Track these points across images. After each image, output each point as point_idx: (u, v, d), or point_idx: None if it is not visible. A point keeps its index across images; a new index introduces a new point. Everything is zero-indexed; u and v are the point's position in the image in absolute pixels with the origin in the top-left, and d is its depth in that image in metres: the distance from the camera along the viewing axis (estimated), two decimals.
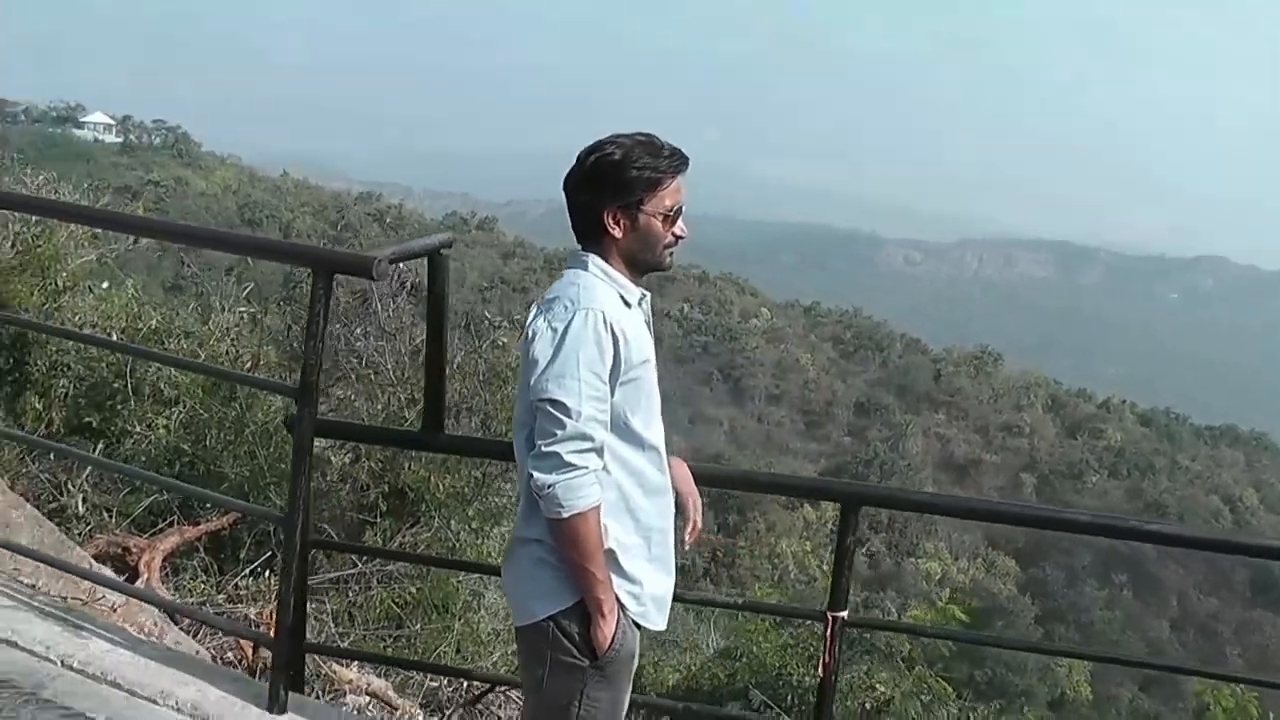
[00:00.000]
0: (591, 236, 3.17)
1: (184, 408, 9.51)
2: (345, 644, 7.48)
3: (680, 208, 3.16)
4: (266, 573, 8.31)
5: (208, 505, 8.70)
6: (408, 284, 13.01)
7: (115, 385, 9.81)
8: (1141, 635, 58.97)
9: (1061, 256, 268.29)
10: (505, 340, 11.05)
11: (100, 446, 9.37)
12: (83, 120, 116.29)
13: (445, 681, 7.52)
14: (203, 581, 7.94)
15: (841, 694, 9.61)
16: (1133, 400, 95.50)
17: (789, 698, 9.43)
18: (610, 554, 3.08)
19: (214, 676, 3.51)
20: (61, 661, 3.46)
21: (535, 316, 3.10)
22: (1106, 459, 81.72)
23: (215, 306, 11.07)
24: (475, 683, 7.16)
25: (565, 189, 3.18)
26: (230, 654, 6.45)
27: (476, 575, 9.02)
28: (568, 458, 2.94)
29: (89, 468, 8.49)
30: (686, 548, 3.36)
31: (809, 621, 10.88)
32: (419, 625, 8.54)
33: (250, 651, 6.40)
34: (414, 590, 8.70)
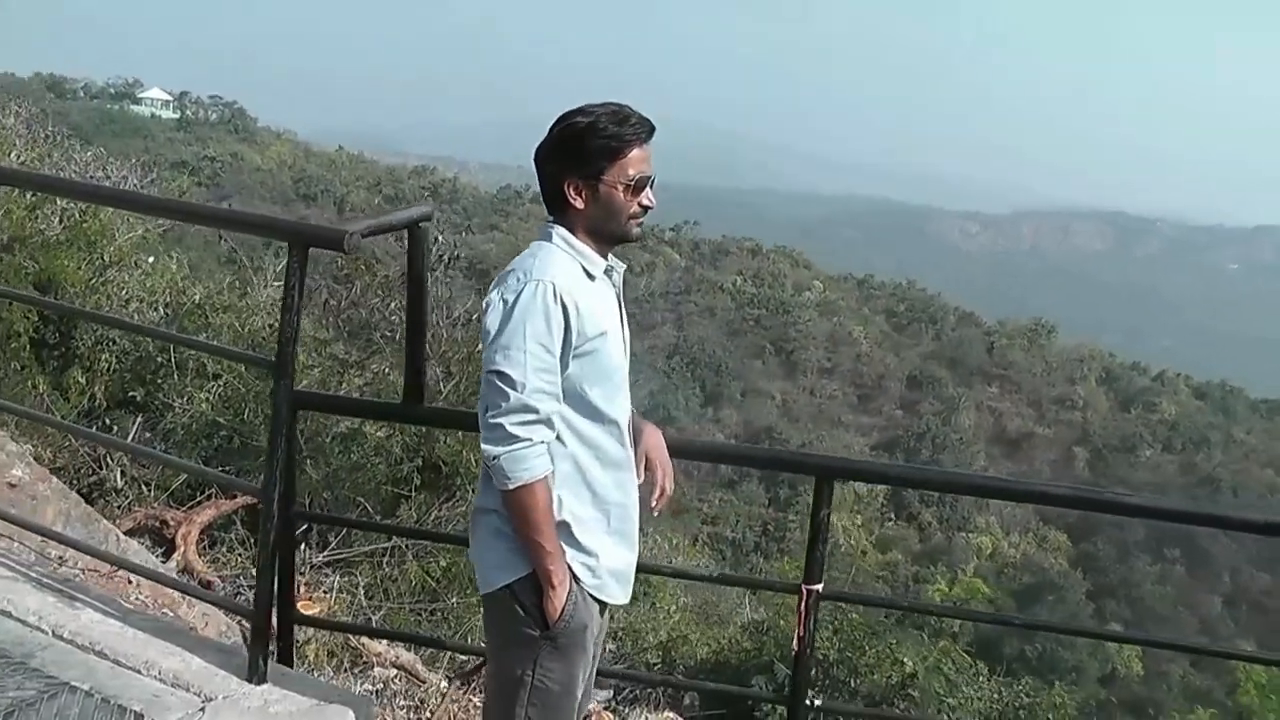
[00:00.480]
0: (557, 207, 3.17)
1: (222, 382, 9.71)
2: (376, 618, 7.60)
3: (646, 178, 3.12)
4: (302, 545, 8.49)
5: (244, 479, 8.91)
6: (445, 257, 13.14)
7: (159, 360, 10.03)
8: (1193, 612, 58.53)
9: (1119, 228, 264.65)
10: None
11: (140, 419, 9.60)
12: (140, 96, 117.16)
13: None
14: (239, 554, 8.12)
15: (869, 667, 9.68)
16: (1187, 373, 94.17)
17: (813, 671, 9.46)
18: (564, 526, 3.09)
19: (200, 647, 3.61)
20: (52, 631, 3.57)
21: (492, 289, 3.09)
22: (1160, 433, 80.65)
23: (253, 281, 11.27)
24: None
25: (535, 160, 3.17)
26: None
27: None
28: (512, 429, 2.95)
29: (130, 439, 8.70)
30: (656, 514, 3.35)
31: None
32: (454, 599, 8.64)
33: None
34: (444, 564, 8.81)
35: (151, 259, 12.05)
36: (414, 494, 9.68)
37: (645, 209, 3.16)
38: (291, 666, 3.94)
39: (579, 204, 3.12)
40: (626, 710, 7.74)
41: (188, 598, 5.39)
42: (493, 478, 3.02)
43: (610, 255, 3.24)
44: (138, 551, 6.13)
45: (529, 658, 3.13)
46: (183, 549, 7.60)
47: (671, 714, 7.99)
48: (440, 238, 13.58)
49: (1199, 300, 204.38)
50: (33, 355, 9.42)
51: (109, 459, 8.65)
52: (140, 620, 3.78)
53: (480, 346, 3.44)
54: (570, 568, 3.11)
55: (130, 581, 5.04)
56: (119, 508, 8.29)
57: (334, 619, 6.86)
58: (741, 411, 75.97)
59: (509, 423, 2.96)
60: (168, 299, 11.16)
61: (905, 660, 10.10)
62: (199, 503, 8.33)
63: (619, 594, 3.27)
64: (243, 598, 7.28)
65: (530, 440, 2.97)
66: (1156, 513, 5.28)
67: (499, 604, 3.16)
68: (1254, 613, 61.06)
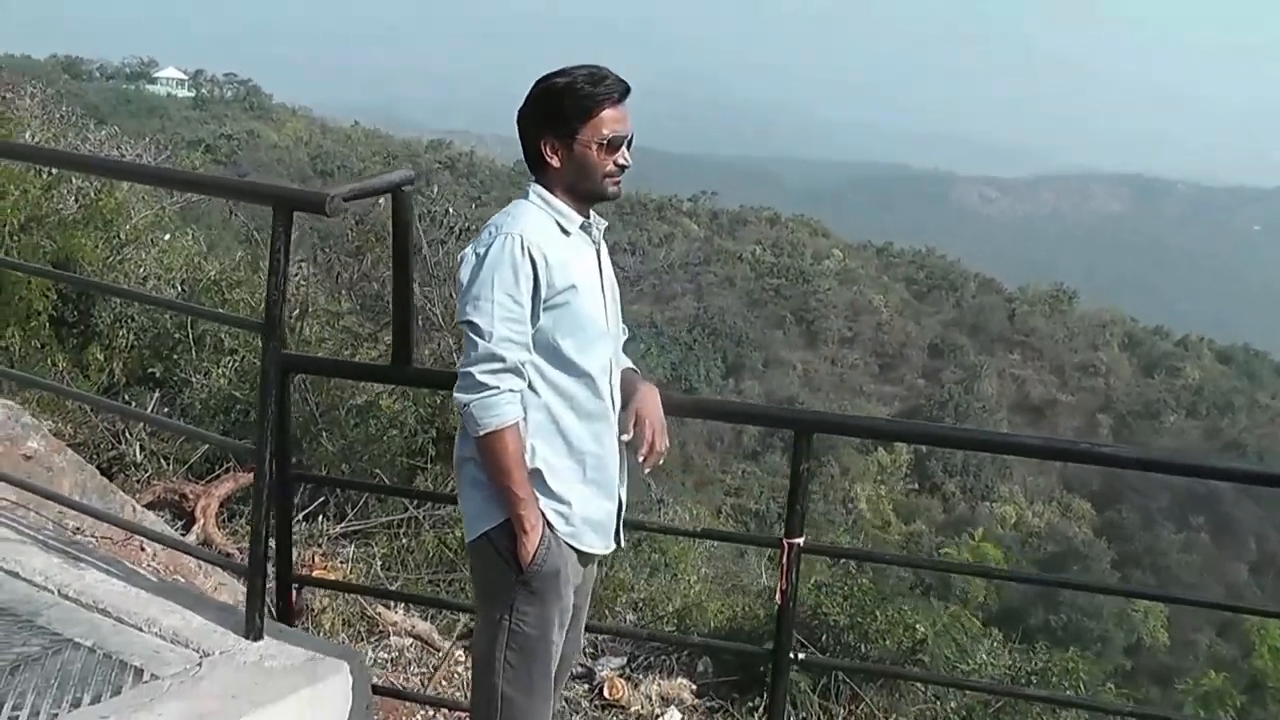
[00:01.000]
0: (537, 167, 3.27)
1: (239, 357, 9.83)
2: (394, 587, 7.69)
3: (621, 137, 3.21)
4: (319, 518, 8.60)
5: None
6: (456, 229, 13.21)
7: (176, 336, 10.15)
8: (1219, 579, 58.19)
9: (1139, 190, 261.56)
10: None
11: (157, 395, 9.73)
12: (155, 76, 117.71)
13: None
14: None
15: (880, 633, 9.71)
16: (1211, 337, 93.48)
17: (823, 637, 9.52)
18: (537, 473, 3.17)
19: (200, 606, 3.72)
20: (58, 591, 3.69)
21: (468, 245, 3.20)
22: (1184, 398, 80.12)
23: (262, 256, 11.37)
24: None
25: (517, 121, 3.27)
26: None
27: None
28: (480, 377, 3.05)
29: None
30: (646, 470, 3.38)
31: (846, 560, 11.01)
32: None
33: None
34: (460, 534, 8.90)
35: (167, 236, 12.16)
36: (429, 465, 9.78)
37: (621, 168, 3.25)
38: (291, 625, 4.03)
39: (555, 163, 3.22)
40: (640, 677, 7.83)
41: (204, 567, 5.53)
42: (465, 425, 3.12)
43: (592, 213, 3.32)
44: (154, 522, 6.27)
45: (506, 602, 3.21)
46: (202, 522, 7.72)
47: (684, 680, 8.06)
48: (452, 210, 13.62)
49: (1222, 262, 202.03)
50: (53, 333, 9.58)
51: (128, 434, 8.77)
52: (143, 581, 3.91)
53: None
54: (544, 514, 3.18)
55: (143, 549, 5.17)
56: (138, 482, 8.43)
57: (337, 581, 6.93)
58: (763, 382, 75.77)
59: (477, 371, 3.06)
60: (184, 275, 11.27)
61: (918, 625, 10.14)
62: (217, 476, 8.46)
63: (596, 543, 3.34)
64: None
65: (498, 388, 3.06)
66: (1157, 465, 5.26)
67: (479, 552, 3.26)
68: None
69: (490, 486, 3.16)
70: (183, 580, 4.71)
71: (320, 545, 8.08)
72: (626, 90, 3.23)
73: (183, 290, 10.89)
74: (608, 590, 9.36)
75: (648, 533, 10.25)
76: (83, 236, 10.06)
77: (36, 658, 3.39)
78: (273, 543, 3.82)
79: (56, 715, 3.17)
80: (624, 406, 3.36)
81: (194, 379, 9.74)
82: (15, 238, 9.43)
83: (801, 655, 4.23)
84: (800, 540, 3.85)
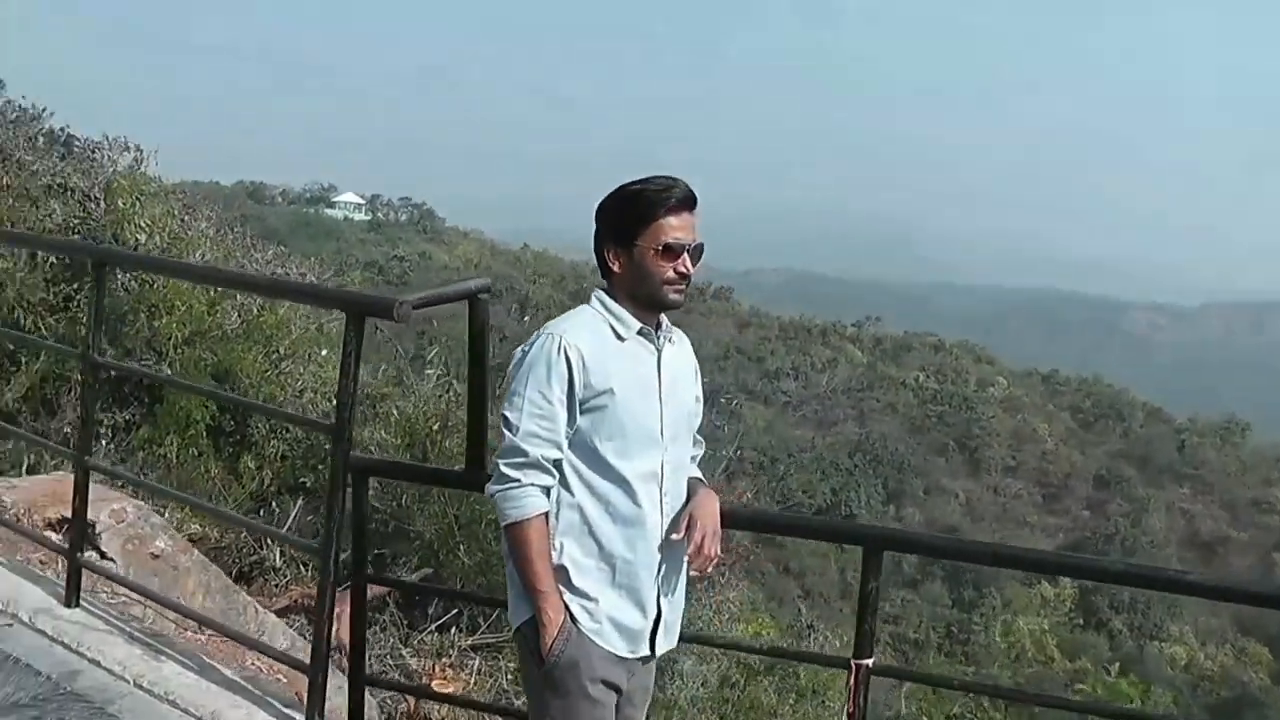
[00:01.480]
0: (603, 272, 3.33)
1: None
2: (519, 703, 7.71)
3: (682, 245, 3.22)
4: (452, 630, 8.72)
5: (400, 560, 9.23)
6: None
7: (327, 449, 10.46)
8: None
9: None
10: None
11: (301, 502, 10.02)
12: (334, 200, 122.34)
13: None
14: (390, 634, 8.41)
15: None
16: None
17: None
18: (563, 570, 3.19)
19: (265, 702, 3.87)
20: (134, 681, 3.86)
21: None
22: None
23: (408, 370, 11.72)
24: None
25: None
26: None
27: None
28: (505, 470, 3.14)
29: (289, 521, 9.12)
30: (694, 574, 3.38)
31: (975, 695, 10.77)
32: None
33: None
34: None
35: (324, 351, 12.60)
36: None
37: (682, 275, 3.26)
38: None
39: (616, 268, 3.29)
40: None
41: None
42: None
43: (664, 320, 3.37)
44: (275, 625, 6.46)
45: (535, 695, 3.28)
46: (336, 628, 7.90)
47: None
48: None
49: None
50: (210, 442, 9.96)
51: (269, 540, 9.05)
52: (217, 675, 4.06)
53: None
54: (568, 607, 3.19)
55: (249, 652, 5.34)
56: (276, 586, 8.66)
57: (404, 683, 7.02)
58: (924, 510, 74.49)
59: (503, 463, 3.15)
60: (333, 390, 11.64)
61: None
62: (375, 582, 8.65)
63: (622, 647, 3.28)
64: (390, 677, 7.56)
65: (519, 481, 3.13)
66: None
67: (518, 643, 3.33)
68: None
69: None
70: (284, 679, 4.84)
71: (450, 656, 8.17)
72: (692, 200, 3.25)
73: (333, 402, 11.22)
74: (753, 714, 9.29)
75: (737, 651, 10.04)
76: (243, 350, 10.46)
77: None
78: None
79: None
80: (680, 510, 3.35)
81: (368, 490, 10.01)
82: (179, 350, 9.86)
83: None
84: (869, 661, 3.75)
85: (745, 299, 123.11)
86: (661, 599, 3.34)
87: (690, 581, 3.52)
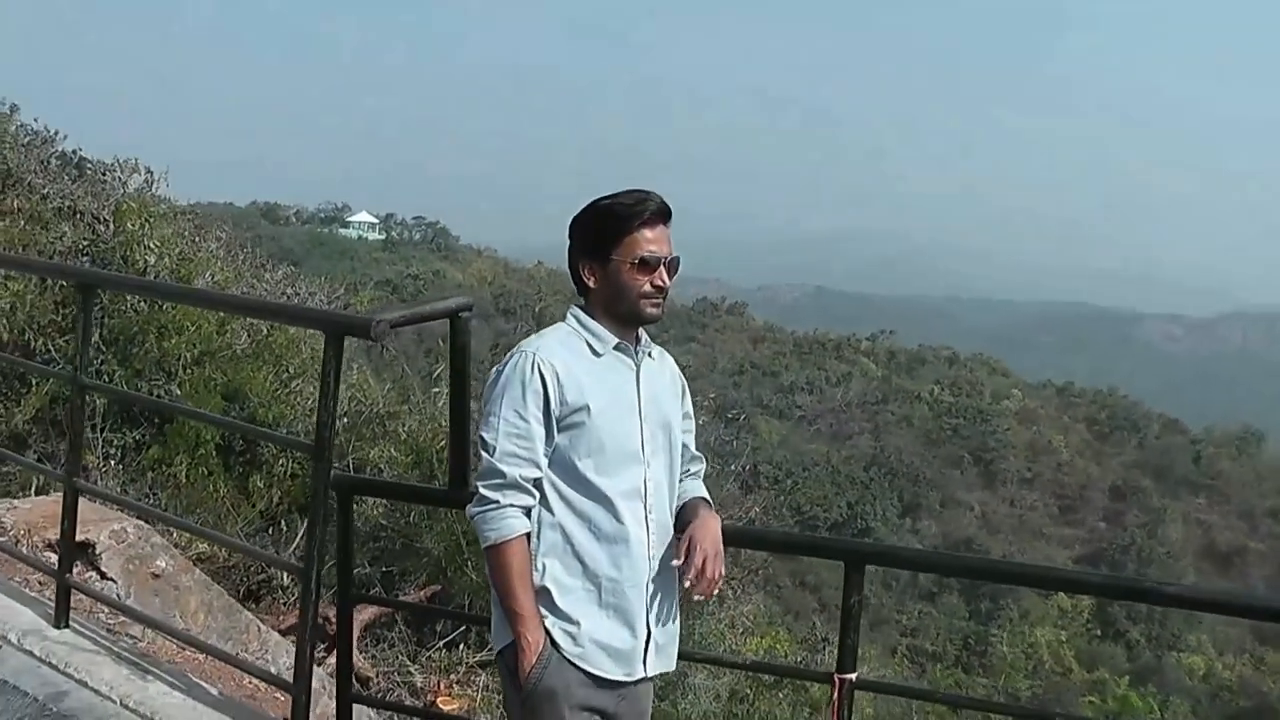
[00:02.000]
0: (579, 289, 3.29)
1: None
2: (478, 700, 7.71)
3: (658, 258, 3.18)
4: (460, 646, 8.75)
5: (409, 577, 9.26)
6: None
7: (338, 466, 10.52)
8: None
9: None
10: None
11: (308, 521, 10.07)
12: (348, 220, 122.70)
13: None
14: (398, 651, 8.44)
15: None
16: None
17: None
18: (545, 591, 3.11)
19: (253, 718, 3.90)
20: (120, 701, 3.89)
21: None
22: None
23: (414, 388, 11.75)
24: None
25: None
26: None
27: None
28: (484, 491, 3.09)
29: (297, 540, 9.17)
30: (696, 597, 3.24)
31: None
32: None
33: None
34: None
35: None
36: None
37: (658, 289, 3.22)
38: None
39: (591, 284, 3.25)
40: None
41: (328, 687, 5.70)
42: None
43: (643, 335, 3.33)
44: (278, 643, 6.48)
45: (514, 716, 3.21)
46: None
47: None
48: None
49: None
50: (220, 461, 10.01)
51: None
52: (203, 695, 4.10)
53: None
54: (550, 632, 3.11)
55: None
56: (284, 605, 8.70)
57: (394, 702, 6.98)
58: (940, 523, 74.34)
59: (482, 485, 3.11)
60: (346, 408, 11.70)
61: None
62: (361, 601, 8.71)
63: (612, 669, 3.20)
64: (395, 693, 7.60)
65: (498, 503, 3.08)
66: None
67: (500, 668, 3.29)
68: None
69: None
70: (281, 699, 4.85)
71: (457, 673, 8.19)
72: (666, 212, 3.22)
73: (345, 422, 11.28)
74: None
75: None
76: (252, 370, 10.52)
77: None
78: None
79: None
80: (679, 532, 3.29)
81: (353, 508, 10.06)
82: (189, 370, 9.93)
83: None
84: (853, 676, 3.72)
85: (759, 314, 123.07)
86: (651, 617, 3.27)
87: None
